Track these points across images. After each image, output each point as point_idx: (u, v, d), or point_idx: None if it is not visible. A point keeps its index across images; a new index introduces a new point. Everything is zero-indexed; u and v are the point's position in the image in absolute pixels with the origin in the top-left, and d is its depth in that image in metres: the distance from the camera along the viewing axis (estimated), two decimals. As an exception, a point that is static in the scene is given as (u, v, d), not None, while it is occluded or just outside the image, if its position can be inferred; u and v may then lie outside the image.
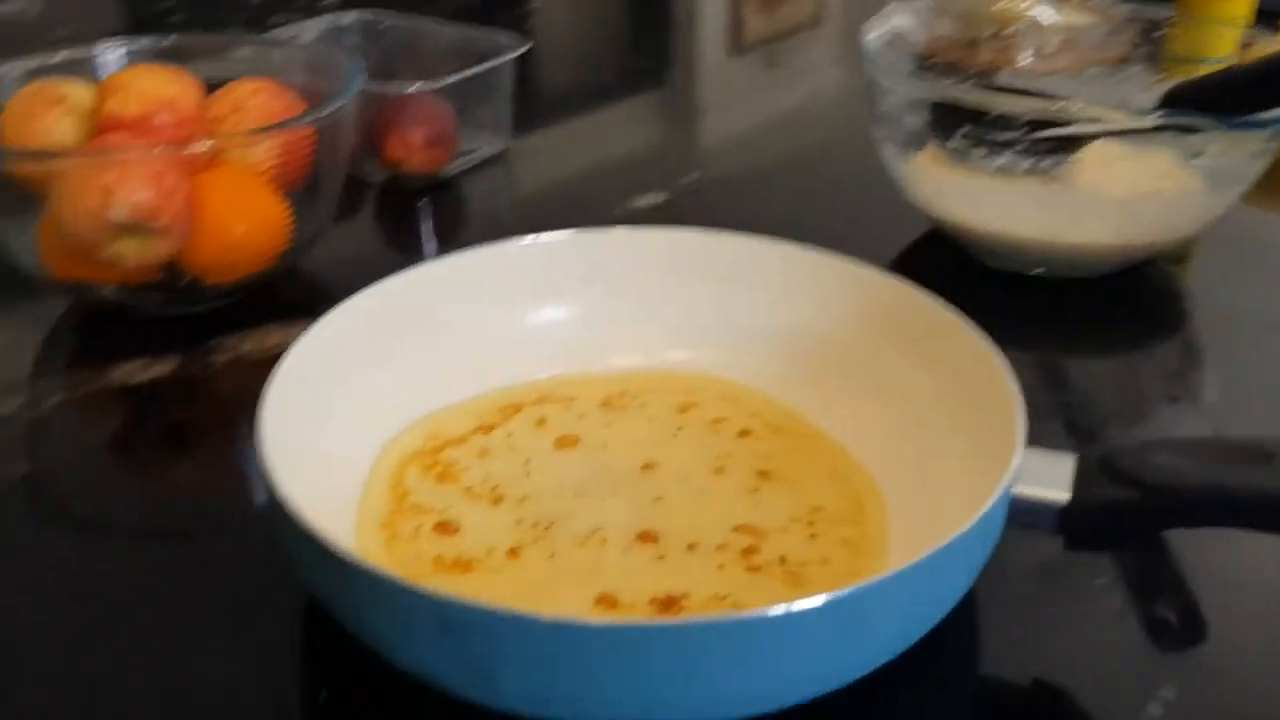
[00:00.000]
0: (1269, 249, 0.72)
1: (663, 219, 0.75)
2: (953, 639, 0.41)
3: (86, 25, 1.11)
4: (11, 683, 0.40)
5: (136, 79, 0.60)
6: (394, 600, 0.34)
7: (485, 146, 0.84)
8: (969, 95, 0.58)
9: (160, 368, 0.58)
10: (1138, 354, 0.63)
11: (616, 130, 0.92)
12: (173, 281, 0.61)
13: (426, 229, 0.78)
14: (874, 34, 0.66)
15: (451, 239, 0.77)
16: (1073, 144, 0.59)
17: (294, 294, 0.66)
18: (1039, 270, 0.64)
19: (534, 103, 0.92)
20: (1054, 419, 0.56)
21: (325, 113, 0.61)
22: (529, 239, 0.54)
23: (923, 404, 0.48)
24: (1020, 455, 0.38)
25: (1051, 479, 0.38)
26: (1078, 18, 0.74)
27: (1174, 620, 0.42)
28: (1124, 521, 0.37)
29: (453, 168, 0.81)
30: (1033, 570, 0.44)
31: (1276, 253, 0.72)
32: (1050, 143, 0.58)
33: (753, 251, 0.54)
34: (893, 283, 0.50)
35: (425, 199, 0.79)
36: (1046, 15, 0.74)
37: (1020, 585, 0.43)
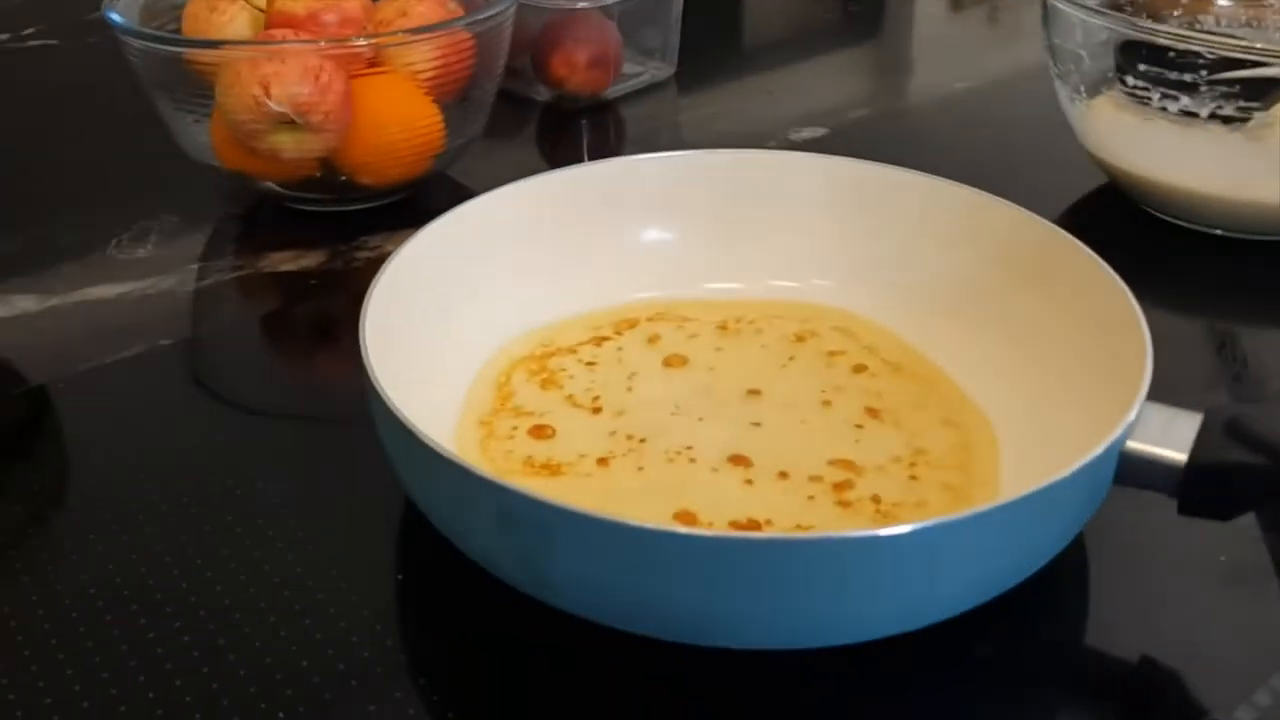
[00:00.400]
0: None
1: (820, 151, 0.72)
2: (1058, 596, 0.39)
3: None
4: (124, 526, 0.42)
5: (306, -22, 0.62)
6: (456, 484, 0.34)
7: (651, 71, 0.83)
8: (1155, 30, 0.54)
9: (309, 260, 0.60)
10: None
11: (788, 66, 0.90)
12: (329, 178, 0.63)
13: (583, 149, 0.78)
14: (1060, -35, 0.62)
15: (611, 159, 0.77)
16: (1269, 91, 0.53)
17: (444, 201, 0.67)
18: (1218, 230, 0.59)
19: (712, 30, 0.91)
20: (1218, 392, 0.52)
21: (479, 18, 0.62)
22: (656, 155, 0.53)
23: (1050, 350, 0.45)
24: (1138, 409, 0.35)
25: (1170, 437, 0.35)
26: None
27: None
28: (1245, 489, 0.34)
29: (616, 90, 0.80)
30: (1152, 535, 0.40)
31: None
32: (1242, 88, 0.53)
33: (883, 180, 0.51)
34: (1031, 219, 0.47)
35: (585, 120, 0.79)
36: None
37: (1137, 550, 0.40)
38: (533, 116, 0.80)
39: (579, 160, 0.76)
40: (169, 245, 0.62)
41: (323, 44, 0.58)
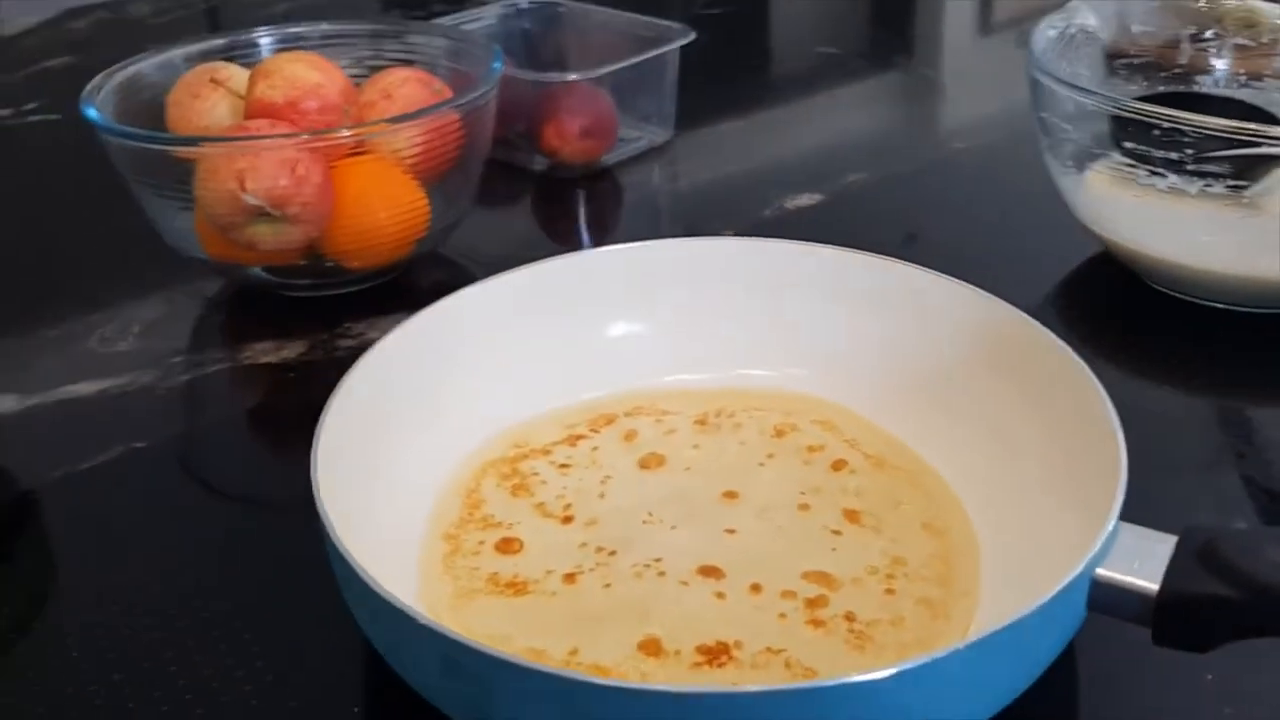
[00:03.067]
0: None
1: (814, 220, 0.72)
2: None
3: (303, 2, 1.16)
4: (107, 631, 0.42)
5: (284, 65, 0.61)
6: (399, 627, 0.33)
7: (647, 137, 0.82)
8: (1134, 107, 0.52)
9: (289, 350, 0.60)
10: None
11: (786, 126, 0.89)
12: (314, 265, 0.63)
13: (579, 219, 0.78)
14: (1050, 32, 0.61)
15: (605, 229, 0.77)
16: (1260, 167, 0.52)
17: (436, 278, 0.67)
18: (1219, 303, 0.57)
19: (712, 93, 0.90)
20: (1222, 469, 0.50)
21: (464, 100, 0.61)
22: (627, 246, 0.52)
23: (1032, 448, 0.43)
24: (1106, 535, 0.34)
25: (1143, 563, 0.34)
26: (1303, 15, 0.65)
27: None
28: (1219, 623, 0.32)
29: (612, 157, 0.80)
30: (1142, 652, 0.39)
31: None
32: (1231, 165, 0.51)
33: (861, 268, 0.50)
34: (1015, 317, 0.46)
35: (581, 188, 0.78)
36: (1264, 12, 0.66)
37: (1126, 668, 0.39)
38: (529, 186, 0.79)
39: (575, 231, 0.77)
40: (151, 337, 0.61)
41: (301, 137, 0.58)
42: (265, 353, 0.60)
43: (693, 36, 0.78)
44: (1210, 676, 0.38)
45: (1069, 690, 0.38)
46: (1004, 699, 0.34)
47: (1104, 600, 0.34)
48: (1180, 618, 0.33)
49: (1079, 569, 0.33)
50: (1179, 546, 0.34)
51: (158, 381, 0.58)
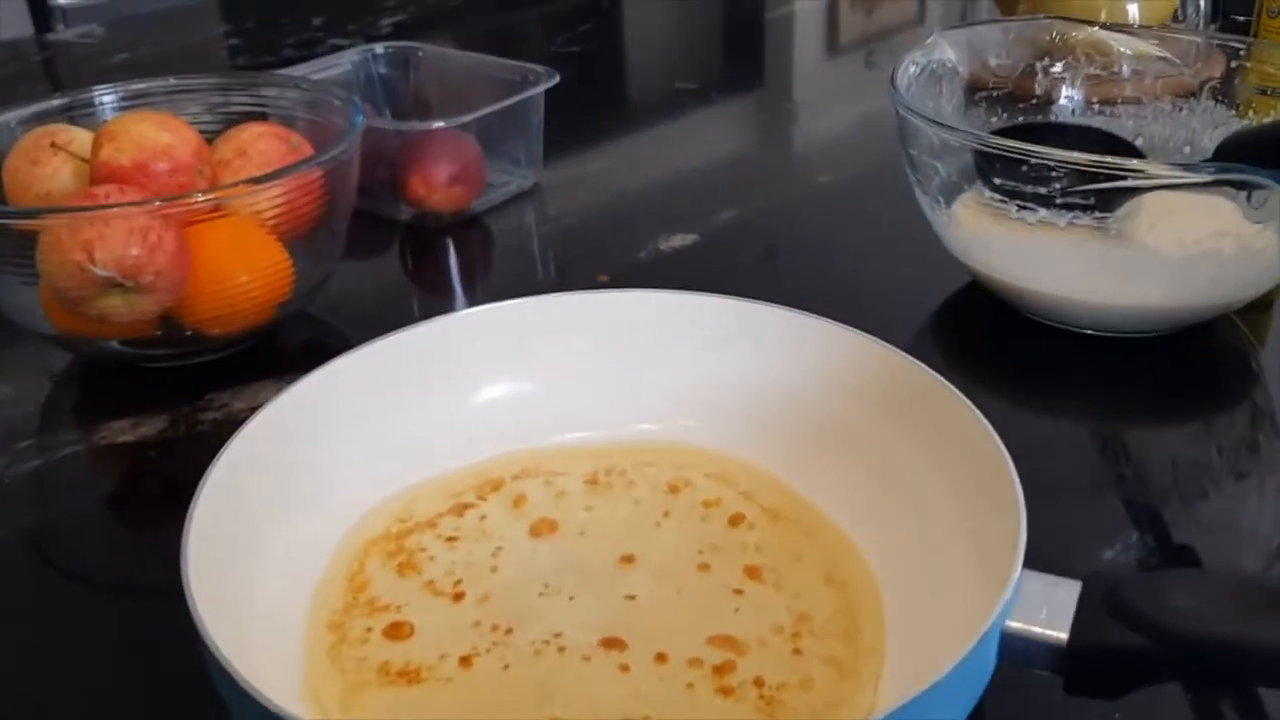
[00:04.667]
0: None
1: (689, 261, 0.71)
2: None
3: (142, 48, 1.11)
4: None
5: (130, 126, 0.58)
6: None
7: (517, 180, 0.81)
8: (1003, 145, 0.53)
9: (148, 428, 0.56)
10: (1202, 421, 0.57)
11: (654, 165, 0.88)
12: (173, 334, 0.59)
13: (450, 267, 0.76)
14: (912, 69, 0.61)
15: (476, 278, 0.75)
16: (1121, 197, 0.53)
17: (304, 338, 0.65)
18: (1088, 329, 0.59)
19: (577, 133, 0.89)
20: (1107, 493, 0.51)
21: (323, 159, 0.59)
22: (500, 305, 0.51)
23: (931, 495, 0.43)
24: (1013, 587, 0.33)
25: (1050, 612, 0.33)
26: (1147, 46, 0.68)
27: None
28: (1130, 670, 0.32)
29: (481, 203, 0.78)
30: (1049, 698, 0.39)
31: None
32: (1096, 198, 0.52)
33: (753, 317, 0.50)
34: (903, 361, 0.46)
35: (450, 236, 0.76)
36: (1114, 43, 0.68)
37: (1035, 715, 0.39)
38: (395, 236, 0.77)
39: (446, 280, 0.75)
40: (-3, 421, 0.57)
41: (155, 203, 0.55)
42: (122, 431, 0.56)
43: (557, 79, 0.77)
44: (1118, 716, 0.38)
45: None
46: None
47: (1013, 651, 0.34)
48: (1092, 667, 0.33)
49: (989, 622, 0.32)
50: (1083, 594, 0.34)
51: (7, 469, 0.54)
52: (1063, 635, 0.33)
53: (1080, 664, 0.33)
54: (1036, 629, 0.33)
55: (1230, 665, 0.32)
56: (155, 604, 0.45)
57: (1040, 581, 0.35)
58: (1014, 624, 0.33)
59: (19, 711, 0.41)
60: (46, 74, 1.12)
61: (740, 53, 1.20)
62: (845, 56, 1.17)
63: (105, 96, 0.65)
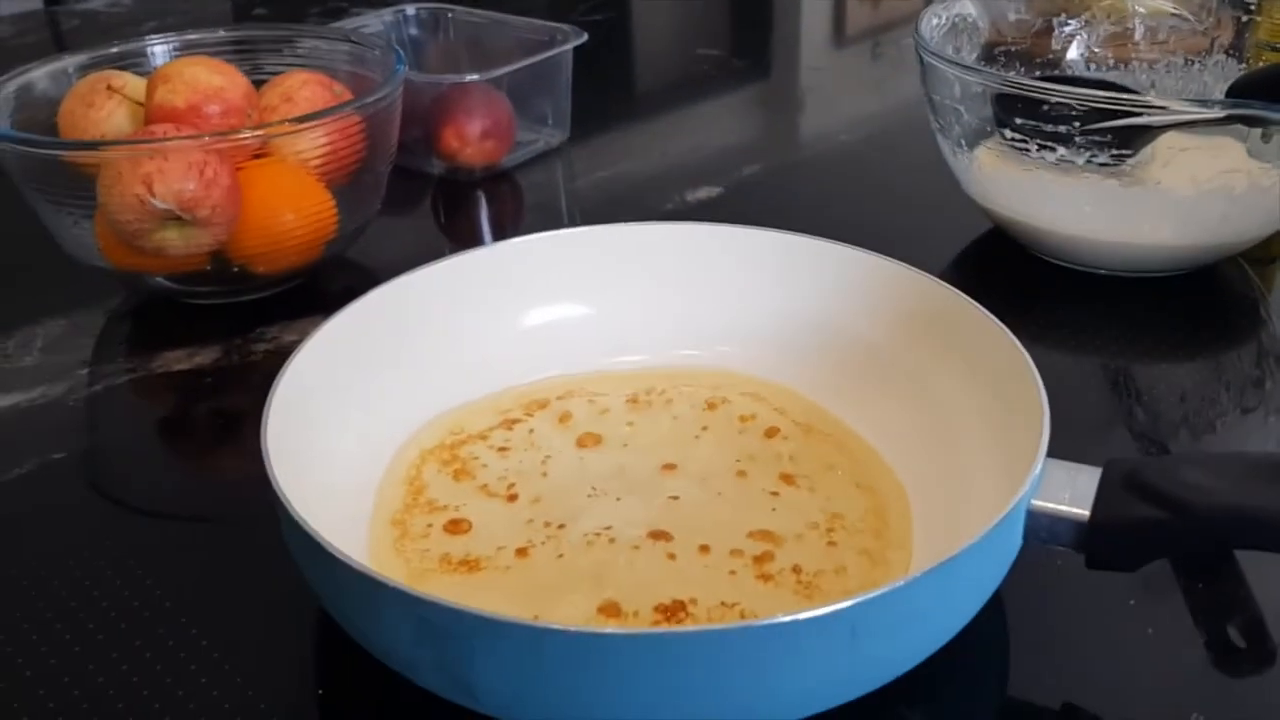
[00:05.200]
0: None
1: (715, 211, 0.74)
2: (979, 654, 0.39)
3: (171, 18, 1.13)
4: (33, 642, 0.41)
5: (184, 70, 0.61)
6: (369, 596, 0.33)
7: (544, 138, 0.83)
8: (1025, 84, 0.55)
9: (203, 357, 0.59)
10: (1210, 359, 0.60)
11: (678, 125, 0.91)
12: (221, 271, 0.62)
13: (480, 220, 0.78)
14: (934, 20, 0.64)
15: (506, 231, 0.77)
16: (1138, 137, 0.55)
17: (344, 283, 0.67)
18: (1103, 270, 0.61)
19: (602, 96, 0.91)
20: (1117, 427, 0.54)
21: (366, 102, 0.61)
22: (551, 234, 0.53)
23: (956, 408, 0.46)
24: (1039, 468, 0.36)
25: (1073, 493, 0.36)
26: (1161, 3, 0.70)
27: (1242, 642, 0.39)
28: (1148, 541, 0.35)
29: (511, 159, 0.81)
30: (1065, 584, 0.41)
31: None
32: (1113, 136, 0.55)
33: (779, 246, 0.52)
34: (928, 282, 0.48)
35: (481, 190, 0.79)
36: (1129, 1, 0.70)
37: (1052, 599, 0.41)
38: (428, 190, 0.79)
39: (477, 232, 0.77)
40: (56, 351, 0.60)
41: (207, 138, 0.57)
42: (178, 360, 0.59)
43: (585, 38, 0.79)
44: (1132, 602, 0.41)
45: (998, 626, 0.41)
46: (956, 626, 0.36)
47: (1038, 530, 0.36)
48: (1112, 541, 0.35)
49: (1017, 498, 0.35)
50: (1104, 476, 0.36)
51: (68, 394, 0.56)
52: (1084, 512, 0.35)
53: (1101, 538, 0.35)
54: (1061, 507, 0.36)
55: (1240, 533, 0.34)
56: (223, 520, 0.48)
57: (1063, 468, 0.37)
58: (1039, 502, 0.36)
59: (49, 634, 0.42)
60: (76, 42, 1.14)
61: (759, 20, 1.22)
62: (852, 45, 1.20)
63: (156, 46, 0.67)
